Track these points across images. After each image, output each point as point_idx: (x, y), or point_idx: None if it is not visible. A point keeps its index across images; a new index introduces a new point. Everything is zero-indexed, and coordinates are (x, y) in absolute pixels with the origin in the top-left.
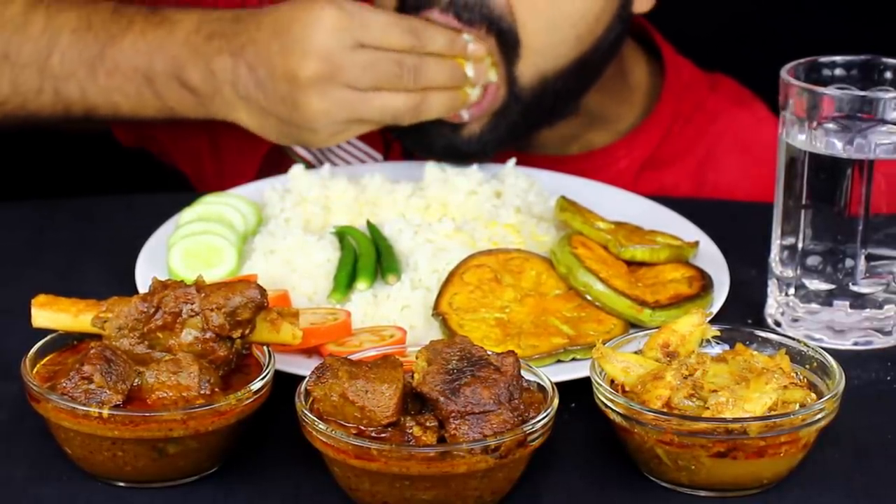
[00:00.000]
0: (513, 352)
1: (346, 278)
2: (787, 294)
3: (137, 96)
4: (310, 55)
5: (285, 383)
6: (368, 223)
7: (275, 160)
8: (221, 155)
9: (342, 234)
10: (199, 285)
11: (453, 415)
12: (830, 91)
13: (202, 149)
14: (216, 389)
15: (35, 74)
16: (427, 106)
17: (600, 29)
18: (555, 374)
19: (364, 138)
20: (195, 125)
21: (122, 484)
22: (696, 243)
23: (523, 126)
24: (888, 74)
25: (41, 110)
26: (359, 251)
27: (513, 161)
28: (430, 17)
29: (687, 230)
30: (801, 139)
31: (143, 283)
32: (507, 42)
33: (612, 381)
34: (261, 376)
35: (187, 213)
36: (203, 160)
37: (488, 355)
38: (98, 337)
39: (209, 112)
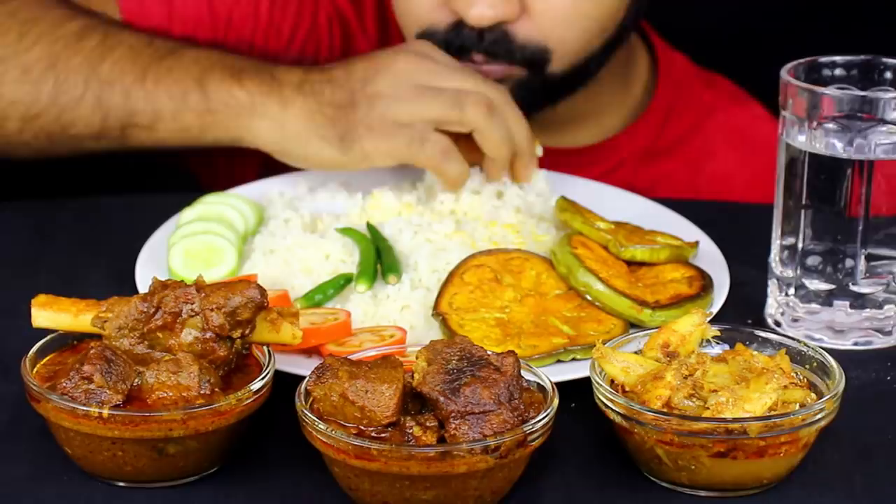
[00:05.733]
0: (513, 352)
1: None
2: (787, 294)
3: (182, 98)
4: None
5: (285, 383)
6: (368, 224)
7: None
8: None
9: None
10: (199, 285)
11: (453, 415)
12: (830, 91)
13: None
14: (216, 389)
15: (80, 82)
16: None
17: (622, 13)
18: (555, 374)
19: None
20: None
21: (122, 484)
22: (696, 243)
23: (550, 99)
24: (888, 74)
25: (76, 121)
26: (361, 250)
27: None
28: (471, 61)
29: (687, 230)
30: (801, 139)
31: (143, 283)
32: (535, 62)
33: (612, 381)
34: (261, 376)
35: (187, 213)
36: (216, 160)
37: (488, 355)
38: (98, 337)
39: (251, 117)
